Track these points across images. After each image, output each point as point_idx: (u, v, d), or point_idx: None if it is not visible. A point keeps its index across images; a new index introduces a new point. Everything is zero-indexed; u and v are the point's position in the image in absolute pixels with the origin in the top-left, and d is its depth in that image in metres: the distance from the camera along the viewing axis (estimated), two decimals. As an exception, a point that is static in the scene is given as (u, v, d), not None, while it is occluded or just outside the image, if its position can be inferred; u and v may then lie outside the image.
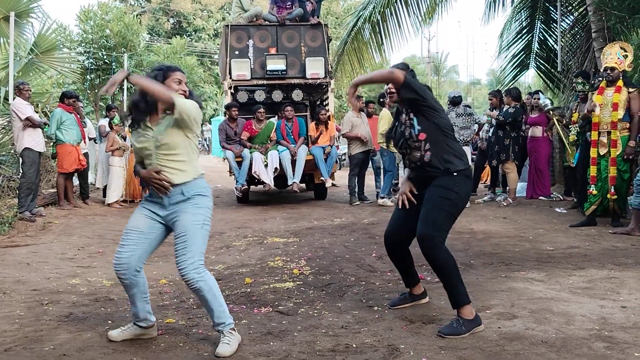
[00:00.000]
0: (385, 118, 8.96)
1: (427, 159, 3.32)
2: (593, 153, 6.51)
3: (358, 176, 9.62)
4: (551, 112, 8.99)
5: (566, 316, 3.36)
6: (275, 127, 9.55)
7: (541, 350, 2.84)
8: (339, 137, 11.23)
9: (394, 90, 3.42)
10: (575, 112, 7.86)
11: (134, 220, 3.20)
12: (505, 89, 10.41)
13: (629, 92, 6.31)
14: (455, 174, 3.32)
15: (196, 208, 3.11)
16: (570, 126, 8.13)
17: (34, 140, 7.80)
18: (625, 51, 6.41)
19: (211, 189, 3.28)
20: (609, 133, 6.39)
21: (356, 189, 9.62)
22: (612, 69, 6.37)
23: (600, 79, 6.56)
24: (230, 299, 4.07)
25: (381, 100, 9.45)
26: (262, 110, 9.43)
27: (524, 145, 9.32)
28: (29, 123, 7.72)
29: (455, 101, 9.32)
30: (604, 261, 4.83)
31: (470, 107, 9.81)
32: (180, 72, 3.25)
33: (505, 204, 8.62)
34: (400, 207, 3.55)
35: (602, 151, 6.44)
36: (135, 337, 3.23)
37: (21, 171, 7.88)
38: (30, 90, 8.27)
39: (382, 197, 9.31)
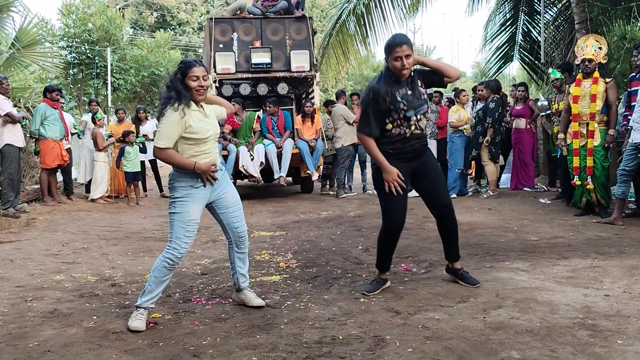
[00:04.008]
0: None
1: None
2: (575, 144, 6.57)
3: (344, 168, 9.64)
4: (545, 118, 9.06)
5: (550, 305, 3.39)
6: (260, 120, 9.50)
7: (526, 339, 2.87)
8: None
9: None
10: (554, 104, 7.93)
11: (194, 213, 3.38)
12: (485, 80, 10.33)
13: (605, 83, 6.38)
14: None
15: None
16: (552, 117, 8.20)
17: (14, 135, 7.71)
18: (600, 43, 6.48)
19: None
20: (587, 124, 6.45)
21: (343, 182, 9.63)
22: (590, 60, 6.42)
23: (579, 71, 6.62)
24: (216, 292, 4.06)
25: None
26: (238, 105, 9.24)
27: (508, 137, 9.36)
28: (9, 119, 7.62)
29: None
30: (587, 251, 4.88)
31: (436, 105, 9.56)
32: (199, 66, 3.29)
33: (485, 196, 8.65)
34: (395, 194, 3.67)
35: (583, 142, 6.50)
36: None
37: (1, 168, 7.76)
38: (9, 85, 8.15)
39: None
